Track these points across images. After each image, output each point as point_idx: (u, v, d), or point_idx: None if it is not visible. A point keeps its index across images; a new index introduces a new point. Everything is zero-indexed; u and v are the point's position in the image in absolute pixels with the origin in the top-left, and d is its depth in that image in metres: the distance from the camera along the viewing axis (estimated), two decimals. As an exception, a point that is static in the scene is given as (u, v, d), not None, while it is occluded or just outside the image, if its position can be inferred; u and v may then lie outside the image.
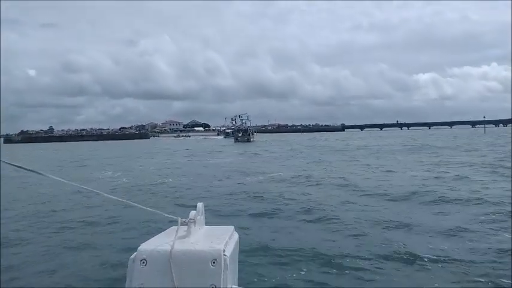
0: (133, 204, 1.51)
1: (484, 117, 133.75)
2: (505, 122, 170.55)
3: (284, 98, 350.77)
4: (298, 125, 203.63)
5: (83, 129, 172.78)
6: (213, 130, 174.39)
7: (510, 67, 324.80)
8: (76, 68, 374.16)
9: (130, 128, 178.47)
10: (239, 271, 1.39)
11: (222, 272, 1.16)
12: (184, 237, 1.26)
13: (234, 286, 1.24)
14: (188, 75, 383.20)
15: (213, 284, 1.15)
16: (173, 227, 1.33)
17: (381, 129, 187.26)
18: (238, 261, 1.40)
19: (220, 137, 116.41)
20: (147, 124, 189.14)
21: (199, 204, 1.39)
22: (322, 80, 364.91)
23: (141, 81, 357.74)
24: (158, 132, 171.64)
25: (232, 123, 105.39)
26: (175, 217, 1.33)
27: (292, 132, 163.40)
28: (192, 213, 1.34)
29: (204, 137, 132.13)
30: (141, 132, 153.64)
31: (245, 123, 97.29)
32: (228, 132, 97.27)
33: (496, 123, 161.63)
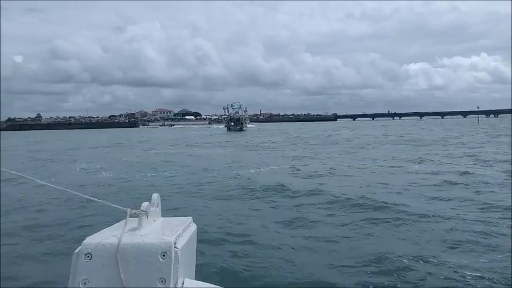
0: (79, 194, 1.42)
1: (478, 107, 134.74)
2: (496, 113, 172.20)
3: (275, 87, 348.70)
4: (290, 115, 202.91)
5: (72, 117, 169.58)
6: (204, 119, 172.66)
7: (499, 57, 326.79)
8: (63, 54, 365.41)
9: (120, 116, 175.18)
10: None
11: (173, 265, 1.12)
12: (134, 229, 1.21)
13: (186, 279, 1.19)
14: (178, 63, 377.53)
15: (162, 278, 1.10)
16: (124, 220, 1.24)
17: (373, 119, 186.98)
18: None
19: (215, 126, 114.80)
20: (137, 112, 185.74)
21: (155, 195, 1.35)
22: (313, 69, 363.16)
23: (130, 68, 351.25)
24: (148, 121, 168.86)
25: (224, 112, 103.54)
26: (124, 208, 1.26)
27: (284, 122, 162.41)
28: (144, 204, 1.26)
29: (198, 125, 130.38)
30: (131, 121, 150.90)
31: (237, 112, 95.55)
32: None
33: (487, 113, 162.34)
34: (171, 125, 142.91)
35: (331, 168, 17.99)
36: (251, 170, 17.85)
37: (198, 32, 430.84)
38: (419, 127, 76.17)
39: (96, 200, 1.41)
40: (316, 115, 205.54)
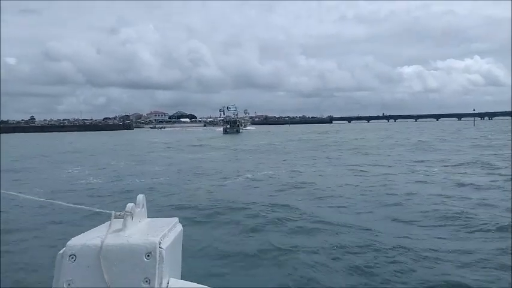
0: (60, 203, 1.45)
1: (474, 109, 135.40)
2: (490, 115, 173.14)
3: (271, 89, 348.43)
4: (285, 117, 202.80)
5: (66, 119, 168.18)
6: (200, 121, 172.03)
7: (492, 60, 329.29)
8: (57, 56, 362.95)
9: (115, 118, 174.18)
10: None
11: (157, 265, 1.12)
12: (119, 230, 1.21)
13: (172, 279, 1.19)
14: (173, 65, 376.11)
15: (146, 278, 1.11)
16: (109, 221, 1.25)
17: (368, 122, 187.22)
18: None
19: (211, 128, 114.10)
20: (132, 115, 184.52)
21: (140, 196, 1.35)
22: (308, 71, 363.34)
23: (125, 70, 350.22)
24: (143, 123, 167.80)
25: (220, 114, 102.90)
26: (108, 211, 1.27)
27: (280, 124, 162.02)
28: (129, 205, 1.26)
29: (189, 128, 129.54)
30: (125, 123, 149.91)
31: (237, 114, 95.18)
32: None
33: (482, 116, 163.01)
34: (160, 128, 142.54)
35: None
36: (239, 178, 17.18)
37: (193, 34, 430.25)
38: (430, 130, 75.91)
39: (79, 206, 1.41)
40: (312, 117, 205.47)
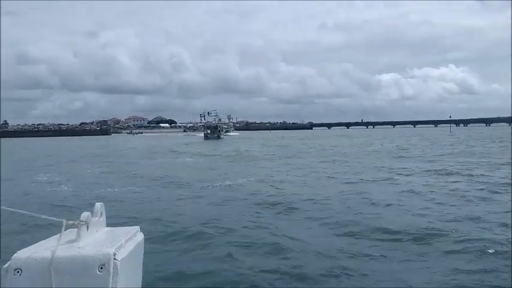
0: (4, 208, 1.33)
1: (450, 116, 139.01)
2: (465, 122, 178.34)
3: (251, 95, 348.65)
4: (266, 123, 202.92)
5: (40, 124, 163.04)
6: (179, 127, 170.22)
7: (467, 69, 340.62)
8: (31, 59, 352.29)
9: (92, 123, 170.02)
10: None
11: (111, 278, 1.06)
12: (72, 241, 1.15)
13: None
14: (153, 70, 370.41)
15: None
16: (62, 232, 1.19)
17: (348, 128, 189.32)
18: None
19: (191, 133, 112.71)
20: (110, 120, 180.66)
21: (98, 204, 1.30)
22: (288, 78, 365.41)
23: (103, 74, 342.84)
24: (121, 128, 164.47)
25: (201, 119, 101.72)
26: (60, 219, 1.19)
27: (261, 130, 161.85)
28: (84, 214, 1.20)
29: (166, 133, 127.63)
30: (103, 128, 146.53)
31: (220, 119, 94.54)
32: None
33: (457, 123, 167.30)
34: (136, 133, 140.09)
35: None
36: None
37: (173, 39, 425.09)
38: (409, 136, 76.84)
39: (27, 213, 1.34)
40: (292, 123, 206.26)
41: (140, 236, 1.32)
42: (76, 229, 1.16)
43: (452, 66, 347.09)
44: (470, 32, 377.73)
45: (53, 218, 1.21)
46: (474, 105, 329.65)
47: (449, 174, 17.73)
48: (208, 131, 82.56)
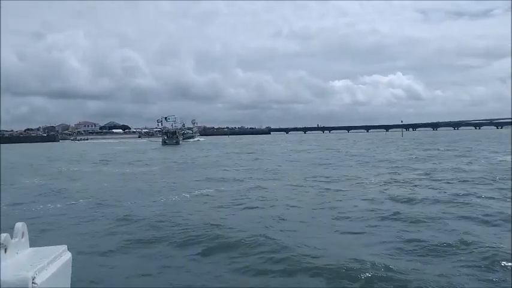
0: None
1: (402, 121, 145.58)
2: (414, 127, 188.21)
3: (208, 101, 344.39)
4: (224, 128, 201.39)
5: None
6: (134, 132, 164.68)
7: (412, 76, 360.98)
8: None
9: (38, 129, 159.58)
10: None
11: None
12: None
13: None
14: (105, 74, 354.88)
15: None
16: None
17: (305, 133, 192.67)
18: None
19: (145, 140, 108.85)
20: (58, 125, 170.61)
21: (19, 224, 1.21)
22: (245, 83, 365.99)
23: (51, 78, 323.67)
24: (70, 135, 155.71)
25: (158, 124, 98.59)
26: None
27: (219, 135, 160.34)
28: (2, 236, 1.12)
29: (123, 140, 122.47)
30: (50, 135, 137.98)
31: (172, 124, 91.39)
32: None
33: (407, 127, 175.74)
34: (80, 140, 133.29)
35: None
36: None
37: (126, 42, 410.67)
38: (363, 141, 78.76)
39: None
40: (250, 128, 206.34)
41: (67, 256, 1.25)
42: None
43: (399, 73, 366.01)
44: (412, 42, 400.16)
45: None
46: (420, 111, 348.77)
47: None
48: (166, 137, 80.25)
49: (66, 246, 1.30)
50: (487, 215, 9.79)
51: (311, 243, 7.82)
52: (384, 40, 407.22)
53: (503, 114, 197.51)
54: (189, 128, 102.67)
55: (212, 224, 9.54)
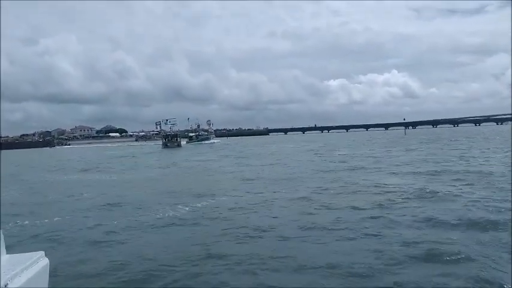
0: None
1: (404, 119, 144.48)
2: (414, 125, 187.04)
3: (203, 102, 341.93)
4: (221, 129, 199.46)
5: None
6: (131, 136, 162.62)
7: (407, 74, 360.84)
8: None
9: (33, 135, 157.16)
10: None
11: None
12: None
13: None
14: (99, 78, 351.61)
15: None
16: None
17: (304, 133, 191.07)
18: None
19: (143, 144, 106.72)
20: (54, 130, 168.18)
21: None
22: (240, 84, 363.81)
23: (46, 83, 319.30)
24: (66, 139, 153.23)
25: (156, 127, 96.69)
26: None
27: (218, 137, 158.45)
28: None
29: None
30: (46, 140, 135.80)
31: (171, 128, 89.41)
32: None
33: (407, 125, 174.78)
34: (67, 145, 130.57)
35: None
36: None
37: (119, 46, 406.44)
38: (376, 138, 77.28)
39: None
40: (248, 129, 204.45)
41: (44, 262, 1.23)
42: None
43: (394, 71, 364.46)
44: (404, 39, 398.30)
45: None
46: (416, 108, 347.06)
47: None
48: (166, 140, 78.87)
49: (44, 252, 1.26)
50: None
51: None
52: (378, 38, 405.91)
53: (498, 110, 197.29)
54: (205, 130, 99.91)
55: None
